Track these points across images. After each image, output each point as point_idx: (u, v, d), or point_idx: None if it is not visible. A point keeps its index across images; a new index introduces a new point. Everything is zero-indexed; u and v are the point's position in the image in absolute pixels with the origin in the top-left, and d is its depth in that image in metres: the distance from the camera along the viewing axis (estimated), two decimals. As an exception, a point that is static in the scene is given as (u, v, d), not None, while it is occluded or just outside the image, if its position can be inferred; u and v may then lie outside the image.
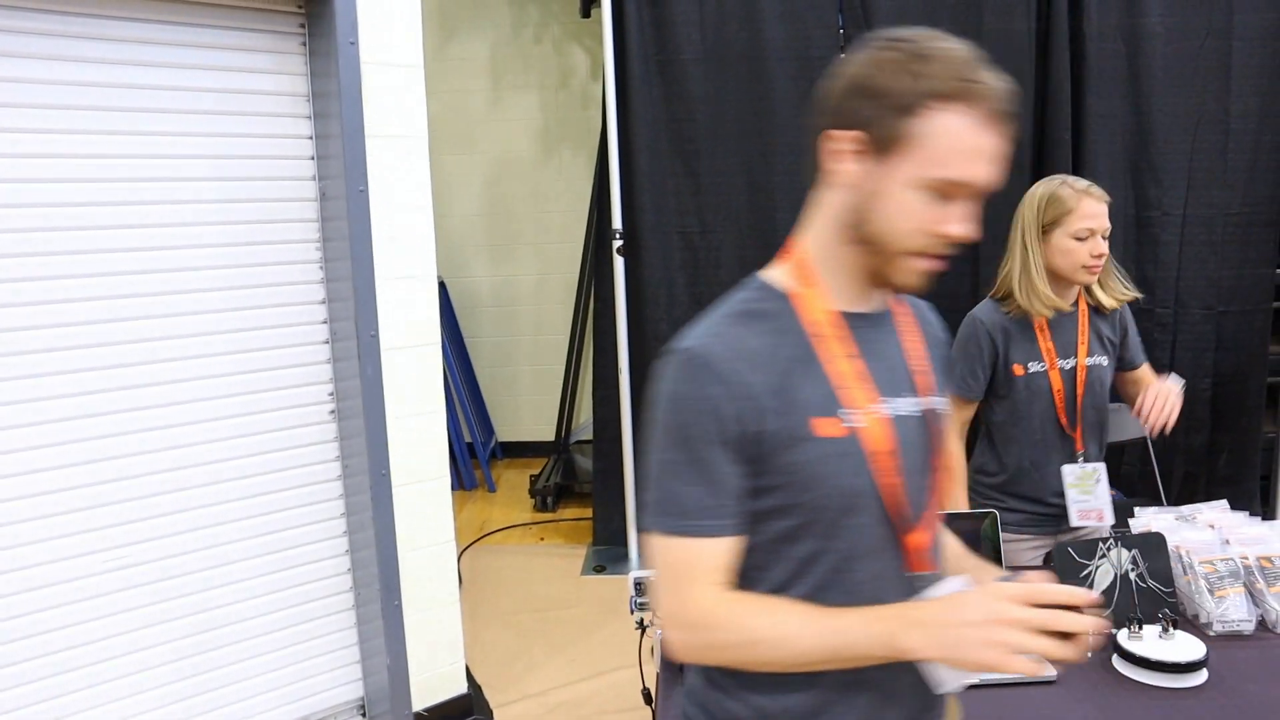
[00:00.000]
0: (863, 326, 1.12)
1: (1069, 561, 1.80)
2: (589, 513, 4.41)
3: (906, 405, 1.12)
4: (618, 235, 3.85)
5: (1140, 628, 1.72)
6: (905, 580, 1.10)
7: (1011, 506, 2.24)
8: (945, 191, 1.02)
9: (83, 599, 2.25)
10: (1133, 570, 1.80)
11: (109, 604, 2.29)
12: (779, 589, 1.09)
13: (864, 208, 1.05)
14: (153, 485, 2.33)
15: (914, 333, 1.19)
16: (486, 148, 5.40)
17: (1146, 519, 2.03)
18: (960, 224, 1.04)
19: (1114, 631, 1.75)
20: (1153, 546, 1.83)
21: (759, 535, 1.08)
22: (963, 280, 3.72)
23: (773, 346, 1.07)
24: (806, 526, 1.07)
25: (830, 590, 1.08)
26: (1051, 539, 2.23)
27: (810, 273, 1.12)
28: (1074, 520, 2.18)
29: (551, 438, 5.35)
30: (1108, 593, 1.78)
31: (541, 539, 4.50)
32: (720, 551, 1.06)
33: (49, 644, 2.21)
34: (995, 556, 1.90)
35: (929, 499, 1.13)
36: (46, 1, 2.10)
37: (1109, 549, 1.80)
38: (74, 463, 2.21)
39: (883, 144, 1.02)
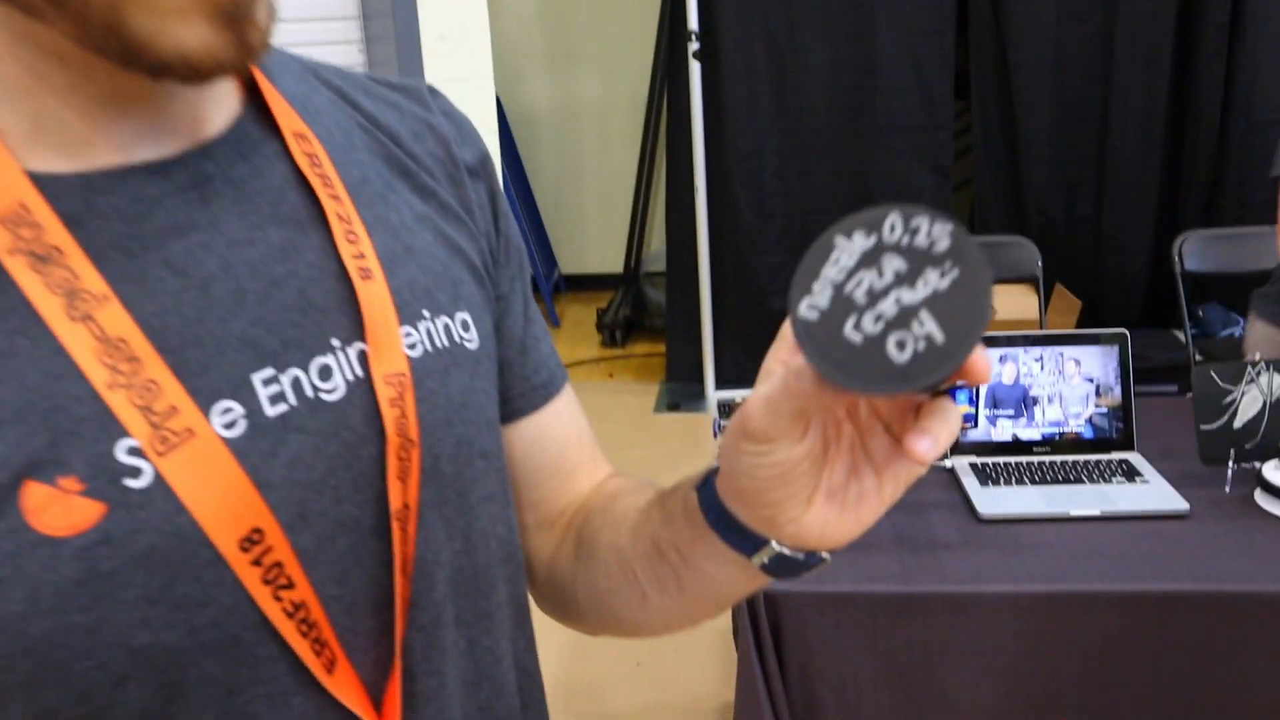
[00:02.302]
0: (125, 206, 0.50)
1: (1211, 387, 1.73)
2: (661, 348, 4.42)
3: (308, 382, 0.53)
4: (694, 38, 3.69)
5: (1289, 461, 1.66)
6: None
7: None
8: None
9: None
10: (1285, 398, 1.73)
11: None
12: None
13: None
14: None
15: (327, 173, 0.58)
16: (544, -59, 5.19)
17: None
18: None
19: (1257, 465, 1.70)
20: (1308, 373, 1.75)
21: None
22: (1085, 198, 3.51)
23: None
24: None
25: None
26: None
27: None
28: None
29: (619, 269, 5.30)
30: (1254, 421, 1.72)
31: (610, 375, 4.54)
32: None
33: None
34: (1125, 375, 1.84)
35: (405, 593, 0.56)
36: None
37: (1258, 373, 1.73)
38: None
39: None
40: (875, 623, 1.50)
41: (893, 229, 0.44)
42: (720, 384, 3.98)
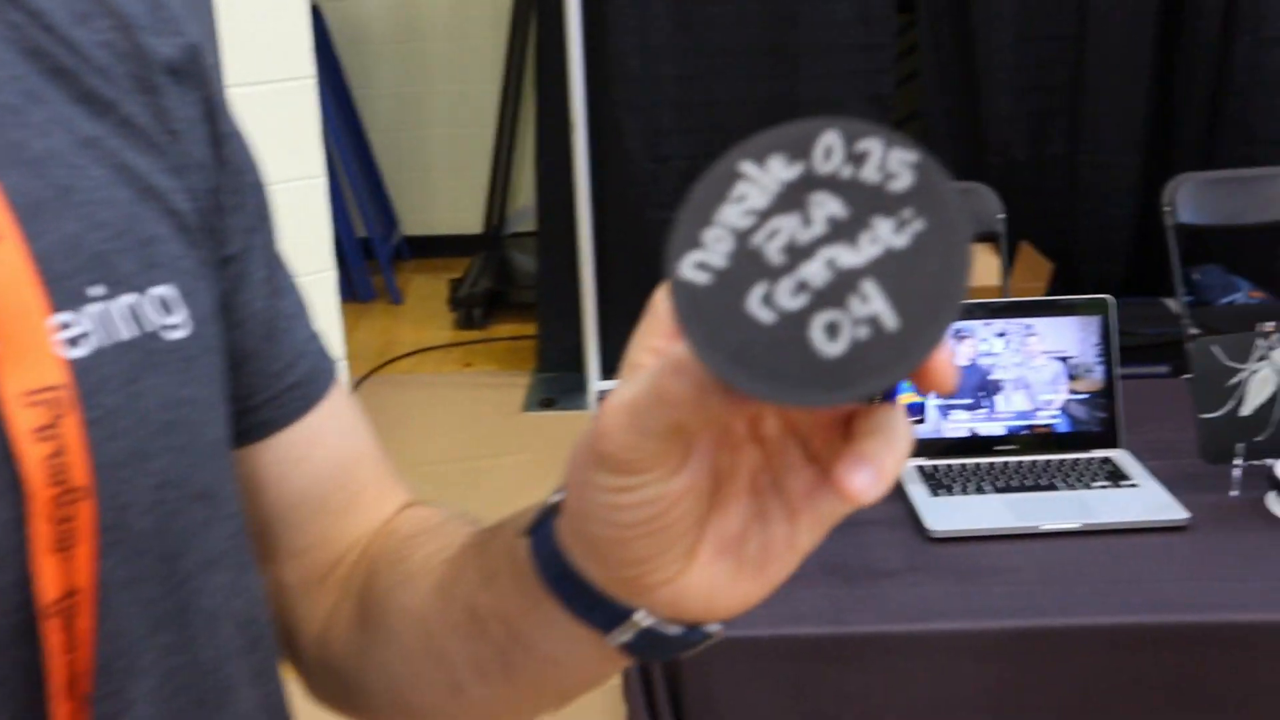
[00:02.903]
0: None
1: (1212, 366, 1.74)
2: (531, 329, 4.41)
3: None
4: (568, -72, 3.65)
5: (1308, 456, 1.69)
6: None
7: None
8: None
9: None
10: (1303, 378, 1.75)
11: None
12: None
13: None
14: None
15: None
16: None
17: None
18: None
19: (1270, 462, 1.72)
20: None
21: None
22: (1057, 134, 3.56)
23: None
24: None
25: None
26: None
27: None
28: None
29: (477, 229, 5.28)
30: (1265, 408, 1.74)
31: (468, 365, 4.54)
32: None
33: None
34: (1107, 353, 1.85)
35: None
36: None
37: (1271, 347, 1.74)
38: None
39: None
40: (799, 673, 1.49)
41: (828, 154, 0.37)
42: (606, 373, 3.94)
